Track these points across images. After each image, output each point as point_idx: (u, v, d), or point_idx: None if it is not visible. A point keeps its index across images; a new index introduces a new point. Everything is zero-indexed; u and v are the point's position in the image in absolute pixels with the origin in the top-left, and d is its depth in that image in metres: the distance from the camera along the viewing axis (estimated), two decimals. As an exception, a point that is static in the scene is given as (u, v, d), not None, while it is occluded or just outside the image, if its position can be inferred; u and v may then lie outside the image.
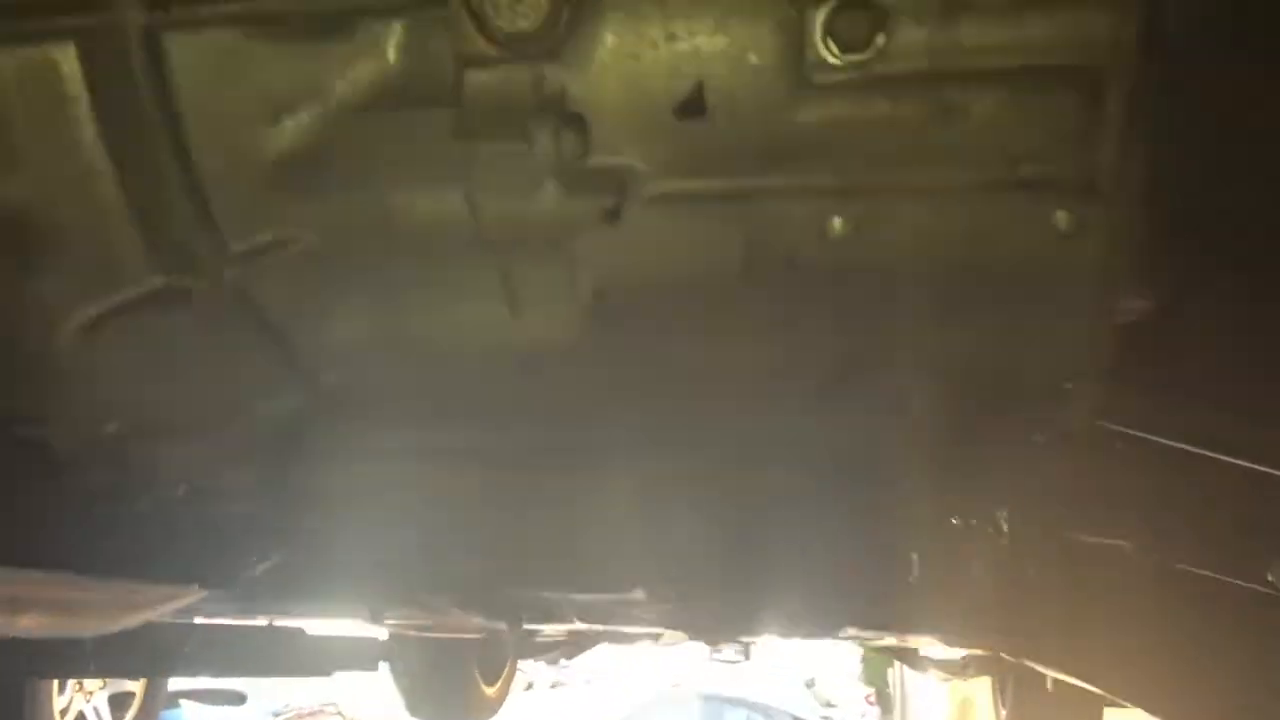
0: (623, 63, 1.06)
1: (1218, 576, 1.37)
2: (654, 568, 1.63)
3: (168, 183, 1.13)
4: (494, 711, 4.99)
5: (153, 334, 1.23)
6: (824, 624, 1.88)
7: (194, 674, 3.95)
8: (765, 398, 1.37)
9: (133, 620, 1.60)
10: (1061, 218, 1.10)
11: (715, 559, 1.60)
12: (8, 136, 1.09)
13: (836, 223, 1.14)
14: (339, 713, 7.67)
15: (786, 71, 1.06)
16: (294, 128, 1.11)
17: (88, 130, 1.09)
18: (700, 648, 6.18)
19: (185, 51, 1.08)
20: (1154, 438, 1.36)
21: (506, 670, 5.14)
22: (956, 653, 3.31)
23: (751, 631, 1.99)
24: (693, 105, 1.08)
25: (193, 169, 1.12)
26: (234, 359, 1.31)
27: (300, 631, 3.10)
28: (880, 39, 1.04)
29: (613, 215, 1.13)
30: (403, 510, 1.55)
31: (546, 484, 1.51)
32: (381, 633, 3.63)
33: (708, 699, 8.79)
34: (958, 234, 1.13)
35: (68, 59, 1.07)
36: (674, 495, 1.52)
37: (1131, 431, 1.39)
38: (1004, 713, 4.14)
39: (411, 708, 4.50)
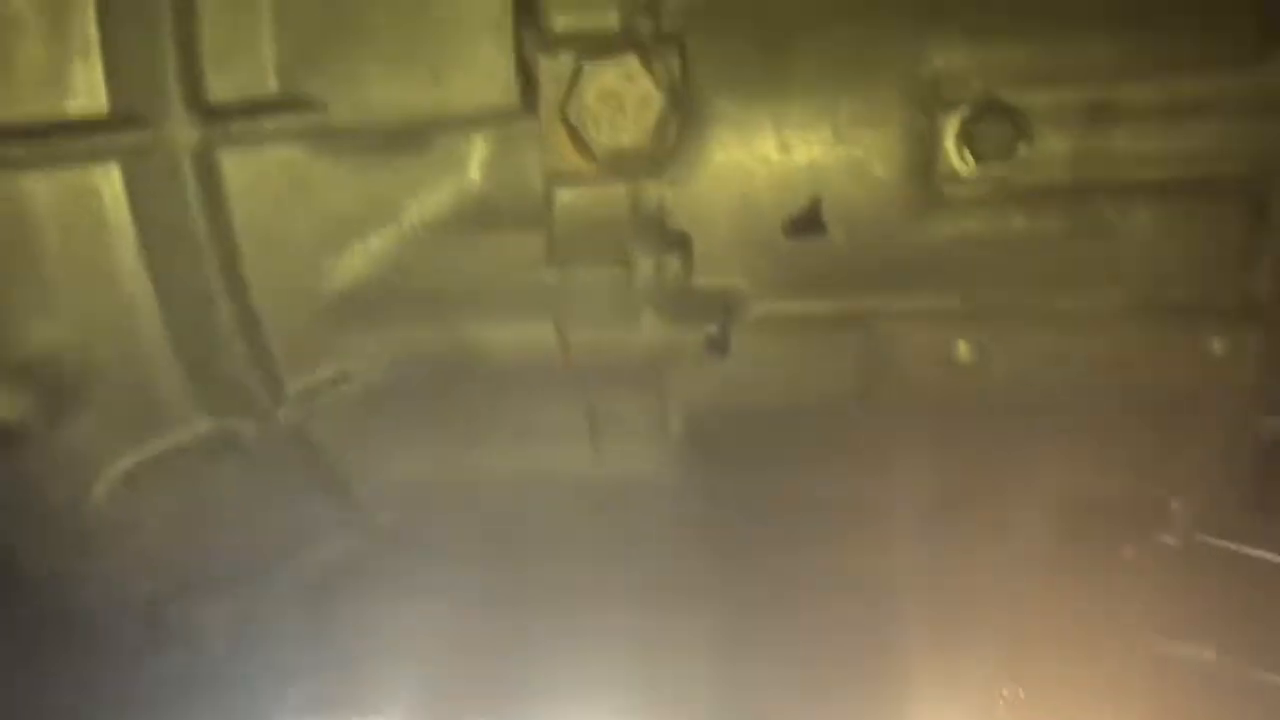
0: (732, 177, 0.98)
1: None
2: (736, 714, 1.49)
3: (218, 317, 1.02)
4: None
5: (197, 482, 1.11)
6: None
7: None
8: (860, 530, 1.25)
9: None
10: (1216, 344, 1.00)
11: (799, 700, 1.46)
12: (41, 273, 0.98)
13: (962, 348, 1.05)
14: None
15: (914, 184, 0.97)
16: (362, 254, 1.01)
17: (131, 261, 0.98)
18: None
19: (243, 171, 0.98)
20: (1246, 549, 1.27)
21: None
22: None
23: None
24: (808, 222, 0.98)
25: (247, 301, 1.01)
26: (285, 506, 1.18)
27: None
28: (1022, 148, 0.94)
29: (719, 347, 1.02)
30: (457, 652, 1.42)
31: (618, 624, 1.38)
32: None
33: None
34: (1096, 362, 1.04)
35: (110, 182, 0.96)
36: (758, 634, 1.39)
37: (1222, 542, 1.30)
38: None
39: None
